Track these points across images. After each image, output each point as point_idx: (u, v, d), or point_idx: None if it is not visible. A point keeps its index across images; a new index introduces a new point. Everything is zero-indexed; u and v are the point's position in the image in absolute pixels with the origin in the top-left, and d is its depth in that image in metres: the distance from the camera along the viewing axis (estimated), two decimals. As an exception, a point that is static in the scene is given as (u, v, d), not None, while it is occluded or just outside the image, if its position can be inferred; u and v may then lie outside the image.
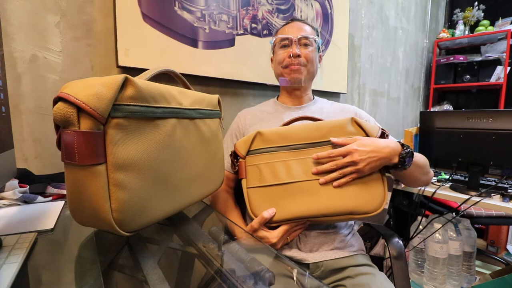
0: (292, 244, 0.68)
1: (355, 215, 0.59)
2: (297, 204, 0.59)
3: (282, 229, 0.62)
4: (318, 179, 0.60)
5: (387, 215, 1.29)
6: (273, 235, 0.61)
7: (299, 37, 0.82)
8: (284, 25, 0.89)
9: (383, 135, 0.64)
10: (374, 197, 0.59)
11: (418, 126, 1.14)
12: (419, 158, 0.71)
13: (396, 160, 0.60)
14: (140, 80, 0.37)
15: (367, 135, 0.62)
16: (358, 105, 1.82)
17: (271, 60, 0.93)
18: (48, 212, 0.52)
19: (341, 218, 0.61)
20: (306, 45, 0.84)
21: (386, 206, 1.01)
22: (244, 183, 0.64)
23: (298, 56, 0.82)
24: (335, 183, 0.59)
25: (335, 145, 0.61)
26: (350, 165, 0.58)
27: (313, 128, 0.64)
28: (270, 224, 0.61)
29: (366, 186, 0.59)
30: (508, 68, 2.24)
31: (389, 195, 0.71)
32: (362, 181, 0.60)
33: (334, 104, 0.92)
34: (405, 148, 0.62)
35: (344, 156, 0.59)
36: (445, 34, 2.55)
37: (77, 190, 0.33)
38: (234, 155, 0.67)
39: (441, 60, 2.50)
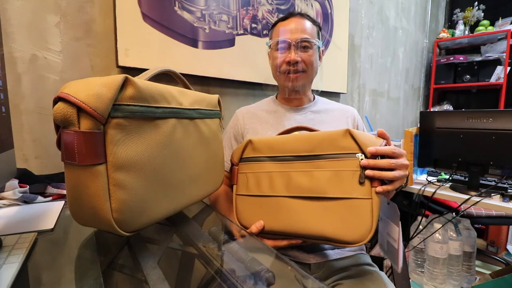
0: None
1: (333, 242, 0.52)
2: (274, 219, 0.57)
3: (272, 242, 0.59)
4: (299, 197, 0.55)
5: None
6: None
7: (298, 41, 0.77)
8: (282, 20, 0.82)
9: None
10: (357, 227, 0.50)
11: (418, 126, 1.14)
12: None
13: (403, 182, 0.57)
14: (140, 80, 0.37)
15: (360, 149, 0.53)
16: (358, 105, 1.82)
17: (268, 55, 0.88)
18: (48, 212, 0.52)
19: (320, 243, 0.58)
20: (305, 47, 0.79)
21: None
22: (234, 189, 0.64)
23: (296, 62, 0.78)
24: (379, 189, 0.50)
25: (324, 160, 0.55)
26: (401, 169, 0.52)
27: (303, 140, 0.59)
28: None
29: (352, 213, 0.51)
30: (508, 68, 2.24)
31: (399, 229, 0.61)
32: (348, 207, 0.52)
33: (335, 105, 0.91)
34: None
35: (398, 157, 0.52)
36: (445, 34, 2.55)
37: (77, 190, 0.33)
38: (231, 163, 0.68)
39: (441, 60, 2.50)
